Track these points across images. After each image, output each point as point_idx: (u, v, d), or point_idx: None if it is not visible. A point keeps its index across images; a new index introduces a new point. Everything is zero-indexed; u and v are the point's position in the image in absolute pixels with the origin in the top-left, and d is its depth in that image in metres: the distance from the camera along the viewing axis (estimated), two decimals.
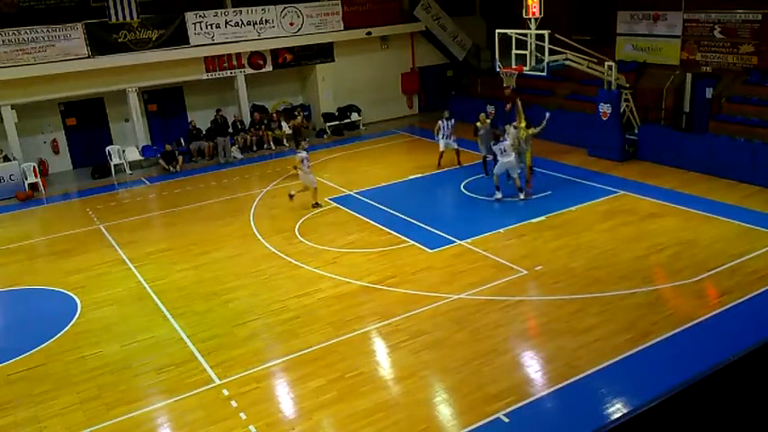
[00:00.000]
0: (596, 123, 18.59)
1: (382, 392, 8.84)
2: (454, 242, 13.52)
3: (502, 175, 15.58)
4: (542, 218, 14.42)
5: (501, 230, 13.93)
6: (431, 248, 13.32)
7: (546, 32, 16.42)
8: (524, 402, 8.35)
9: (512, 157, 15.08)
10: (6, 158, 19.73)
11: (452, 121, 18.41)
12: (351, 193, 17.30)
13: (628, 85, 18.63)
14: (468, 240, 13.49)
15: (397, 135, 23.80)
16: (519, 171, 15.42)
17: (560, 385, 8.65)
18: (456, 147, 18.43)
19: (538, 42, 16.69)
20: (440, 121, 18.45)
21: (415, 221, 14.71)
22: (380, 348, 10.09)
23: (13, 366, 10.13)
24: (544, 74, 17.13)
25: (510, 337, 10.00)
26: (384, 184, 16.59)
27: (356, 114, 25.47)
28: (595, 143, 18.76)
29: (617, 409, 8.10)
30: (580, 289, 11.16)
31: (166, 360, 9.99)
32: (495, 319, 10.43)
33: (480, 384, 8.79)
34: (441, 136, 18.40)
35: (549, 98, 21.85)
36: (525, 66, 17.00)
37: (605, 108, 18.27)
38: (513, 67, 17.30)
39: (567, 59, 17.47)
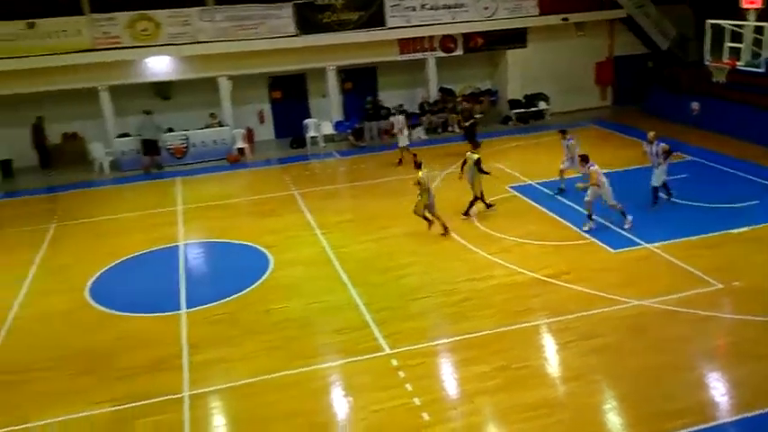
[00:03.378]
0: None
1: (548, 389, 8.71)
2: (640, 244, 12.79)
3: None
4: (745, 228, 13.14)
5: (694, 238, 12.92)
6: (613, 248, 12.74)
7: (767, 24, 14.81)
8: (704, 426, 7.76)
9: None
10: (220, 124, 21.99)
11: (658, 145, 14.39)
12: (532, 182, 17.00)
13: None
14: (656, 244, 12.69)
15: (585, 127, 22.84)
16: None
17: (749, 414, 7.92)
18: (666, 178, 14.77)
19: (756, 35, 15.11)
20: (645, 145, 14.84)
21: (598, 219, 14.12)
22: (549, 344, 9.92)
23: (213, 309, 11.39)
24: (761, 70, 15.48)
25: (694, 353, 9.32)
26: (568, 176, 16.04)
27: (544, 103, 24.83)
28: None
29: None
30: None
31: (343, 323, 10.64)
32: (678, 332, 9.76)
33: (654, 398, 8.32)
34: (654, 165, 14.61)
35: (763, 97, 19.67)
36: (739, 60, 15.48)
37: None
38: (725, 61, 15.83)
39: None
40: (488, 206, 14.95)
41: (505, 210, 15.20)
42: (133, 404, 8.83)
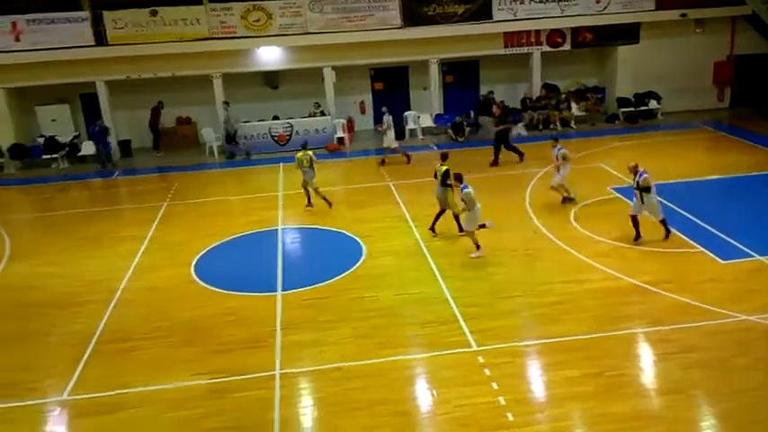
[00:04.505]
0: None
1: (642, 400, 8.37)
2: (753, 256, 12.00)
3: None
4: None
5: None
6: (723, 259, 12.02)
7: None
8: None
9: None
10: (323, 113, 22.54)
11: None
12: None
13: None
14: None
15: (699, 129, 21.63)
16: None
17: None
18: None
19: None
20: None
21: (707, 226, 13.36)
22: (646, 354, 9.52)
23: (306, 293, 11.74)
24: None
25: None
26: (676, 180, 15.31)
27: (655, 102, 23.68)
28: None
29: None
30: None
31: (431, 316, 10.68)
32: None
33: (759, 420, 7.82)
34: None
35: None
36: None
37: None
38: None
39: None
40: (460, 230, 13.61)
41: (606, 212, 14.67)
42: (229, 378, 9.28)
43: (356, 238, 14.02)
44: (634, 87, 23.71)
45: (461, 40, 22.14)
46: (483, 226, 12.83)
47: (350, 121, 23.47)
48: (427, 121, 23.32)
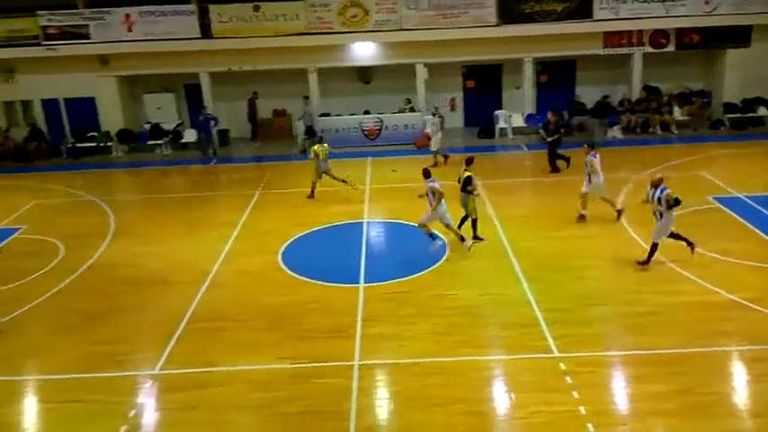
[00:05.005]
0: None
1: (731, 421, 7.95)
2: None
3: None
4: None
5: None
6: None
7: None
8: None
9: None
10: (413, 109, 22.64)
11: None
12: (739, 195, 15.41)
13: None
14: None
15: None
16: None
17: None
18: None
19: None
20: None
21: None
22: (740, 373, 9.01)
23: (388, 287, 11.86)
24: None
25: None
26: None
27: (764, 109, 22.31)
28: None
29: None
30: None
31: (512, 318, 10.54)
32: None
33: None
34: None
35: None
36: None
37: None
38: None
39: None
40: (476, 237, 13.37)
41: (704, 221, 13.96)
42: (311, 364, 9.53)
43: (440, 236, 14.01)
44: (742, 93, 22.42)
45: (558, 38, 21.62)
46: (431, 236, 12.88)
47: (440, 119, 23.37)
48: (518, 121, 22.96)
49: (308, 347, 10.00)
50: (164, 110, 23.80)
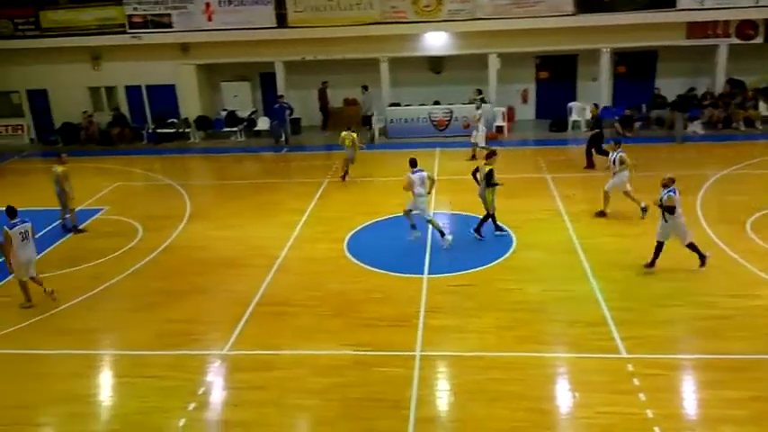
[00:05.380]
0: None
1: None
2: None
3: None
4: None
5: None
6: None
7: None
8: None
9: None
10: (483, 100, 22.32)
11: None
12: None
13: None
14: None
15: None
16: None
17: None
18: None
19: None
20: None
21: None
22: None
23: (452, 279, 11.84)
24: None
25: None
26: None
27: None
28: None
29: None
30: None
31: (578, 316, 10.33)
32: None
33: None
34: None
35: None
36: None
37: None
38: None
39: None
40: (497, 228, 13.52)
41: None
42: (373, 352, 9.65)
43: (506, 229, 13.85)
44: None
45: (639, 28, 20.83)
46: (409, 211, 13.22)
47: (510, 110, 23.07)
48: None
49: (371, 335, 10.12)
50: (239, 98, 24.43)
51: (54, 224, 15.40)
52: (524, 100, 23.85)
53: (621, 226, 13.75)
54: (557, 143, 20.77)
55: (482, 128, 19.21)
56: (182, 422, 8.37)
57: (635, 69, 23.09)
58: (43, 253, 13.80)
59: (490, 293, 11.26)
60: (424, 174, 13.07)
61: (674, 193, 11.17)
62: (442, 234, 13.17)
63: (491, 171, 13.12)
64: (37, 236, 14.44)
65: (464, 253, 12.96)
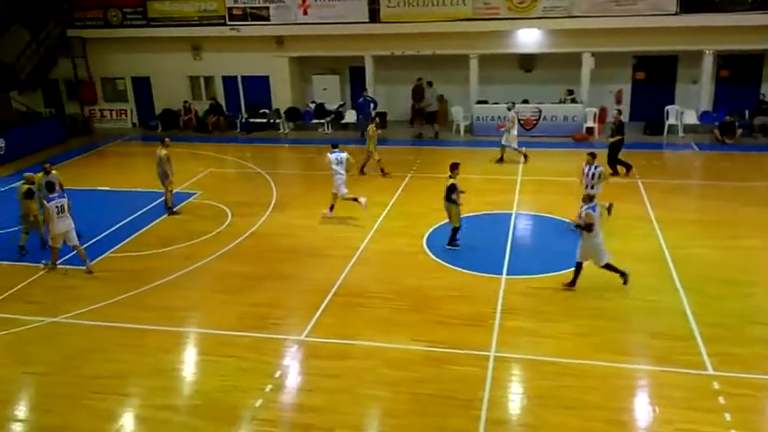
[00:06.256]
0: None
1: None
2: None
3: None
4: None
5: None
6: None
7: None
8: None
9: None
10: (574, 100, 21.78)
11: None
12: None
13: None
14: None
15: None
16: None
17: None
18: None
19: None
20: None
21: None
22: None
23: (531, 281, 11.65)
24: None
25: None
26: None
27: None
28: None
29: None
30: None
31: (663, 328, 9.93)
32: None
33: None
34: None
35: None
36: None
37: None
38: None
39: None
40: (452, 241, 13.10)
41: None
42: (446, 349, 9.64)
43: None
44: None
45: (747, 30, 19.69)
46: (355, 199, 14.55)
47: (602, 111, 22.34)
48: (691, 118, 21.29)
49: (445, 333, 10.10)
50: (329, 91, 24.88)
51: (150, 205, 16.27)
52: (618, 101, 23.01)
53: (716, 237, 13.08)
54: (651, 147, 19.94)
55: (515, 130, 18.75)
56: (258, 402, 8.67)
57: (739, 73, 21.82)
58: (140, 231, 14.66)
59: (570, 298, 10.99)
60: (343, 155, 14.80)
61: (594, 210, 10.75)
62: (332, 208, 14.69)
63: (452, 185, 12.84)
64: (135, 215, 15.36)
65: (545, 256, 12.71)
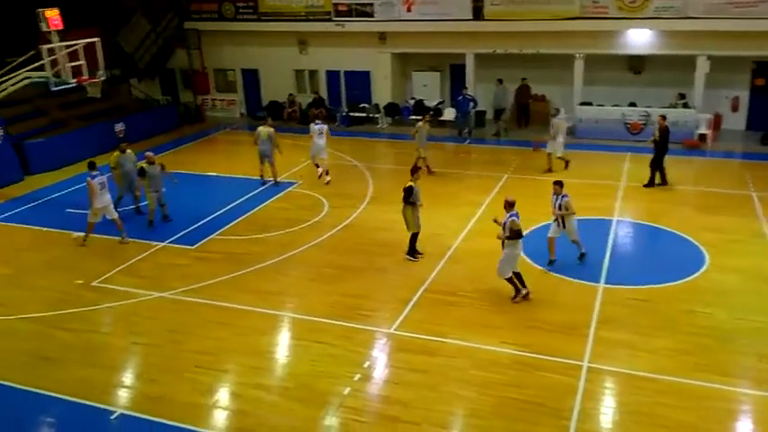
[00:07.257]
0: None
1: None
2: None
3: None
4: None
5: None
6: None
7: None
8: None
9: None
10: (686, 105, 20.71)
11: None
12: None
13: None
14: None
15: None
16: None
17: None
18: None
19: None
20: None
21: None
22: None
23: (630, 292, 11.24)
24: None
25: None
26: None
27: None
28: None
29: None
30: None
31: None
32: None
33: None
34: None
35: None
36: None
37: None
38: None
39: None
40: (412, 253, 12.77)
41: None
42: (536, 355, 9.49)
43: (699, 246, 12.81)
44: None
45: None
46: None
47: (717, 118, 21.13)
48: None
49: (535, 338, 9.94)
50: (428, 87, 24.91)
51: (253, 192, 16.98)
52: (734, 108, 21.69)
53: None
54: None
55: (561, 138, 17.82)
56: (346, 390, 8.88)
57: None
58: (243, 217, 15.33)
59: (671, 313, 10.53)
60: (324, 126, 17.30)
61: (517, 217, 10.40)
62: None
63: (410, 187, 12.46)
64: (239, 200, 16.12)
65: (647, 266, 12.23)
